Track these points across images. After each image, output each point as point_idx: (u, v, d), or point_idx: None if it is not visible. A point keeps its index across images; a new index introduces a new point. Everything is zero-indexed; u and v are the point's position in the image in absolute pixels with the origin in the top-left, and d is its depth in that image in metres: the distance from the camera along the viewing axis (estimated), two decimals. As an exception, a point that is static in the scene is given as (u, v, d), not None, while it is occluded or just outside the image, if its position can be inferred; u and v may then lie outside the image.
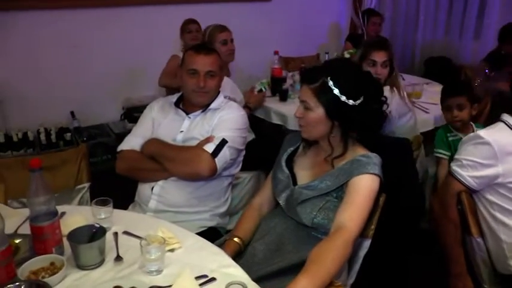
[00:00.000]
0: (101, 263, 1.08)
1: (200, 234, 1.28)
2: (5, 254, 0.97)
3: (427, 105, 2.49)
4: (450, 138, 2.03)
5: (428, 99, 2.55)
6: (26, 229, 1.19)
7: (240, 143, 1.56)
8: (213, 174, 1.47)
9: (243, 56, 2.57)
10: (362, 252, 1.29)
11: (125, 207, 1.55)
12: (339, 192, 1.21)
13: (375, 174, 1.18)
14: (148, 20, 3.47)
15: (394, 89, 2.06)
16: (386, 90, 2.00)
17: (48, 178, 1.06)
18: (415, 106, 2.40)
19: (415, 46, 4.29)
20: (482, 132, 1.37)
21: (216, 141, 1.48)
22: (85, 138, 3.09)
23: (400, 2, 4.35)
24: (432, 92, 2.65)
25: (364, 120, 1.21)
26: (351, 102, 1.18)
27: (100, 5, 3.29)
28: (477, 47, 3.78)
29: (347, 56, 3.06)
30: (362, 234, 1.22)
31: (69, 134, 3.01)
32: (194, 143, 1.53)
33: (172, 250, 1.13)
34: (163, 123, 1.62)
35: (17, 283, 0.94)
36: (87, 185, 1.81)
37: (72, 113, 3.27)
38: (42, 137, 2.97)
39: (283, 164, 1.34)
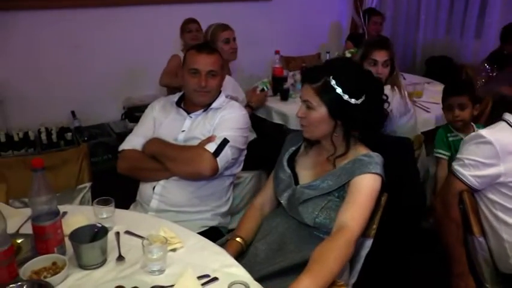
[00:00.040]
0: (103, 262, 1.08)
1: (202, 233, 1.28)
2: (7, 254, 0.97)
3: (428, 105, 2.49)
4: (450, 139, 2.02)
5: (430, 99, 2.55)
6: (27, 229, 1.19)
7: (241, 143, 1.56)
8: (214, 173, 1.47)
9: (244, 55, 2.56)
10: (364, 252, 1.29)
11: (126, 206, 1.55)
12: (340, 192, 1.21)
13: (377, 173, 1.18)
14: (148, 19, 3.47)
15: (395, 88, 2.06)
16: (387, 89, 1.99)
17: (49, 178, 1.06)
18: (416, 105, 2.40)
19: (416, 45, 4.28)
20: (484, 132, 1.36)
21: (218, 141, 1.48)
22: (86, 138, 3.09)
23: (401, 1, 4.34)
24: (433, 91, 2.65)
25: (366, 119, 1.21)
26: (353, 101, 1.18)
27: (100, 5, 3.29)
28: (478, 46, 3.78)
29: (348, 55, 3.06)
30: (364, 234, 1.22)
31: (70, 134, 3.02)
32: (195, 142, 1.53)
33: (174, 250, 1.13)
34: (164, 122, 1.62)
35: (19, 283, 0.94)
36: (88, 184, 1.81)
37: (73, 112, 3.27)
38: (43, 136, 2.98)
39: (285, 163, 1.34)
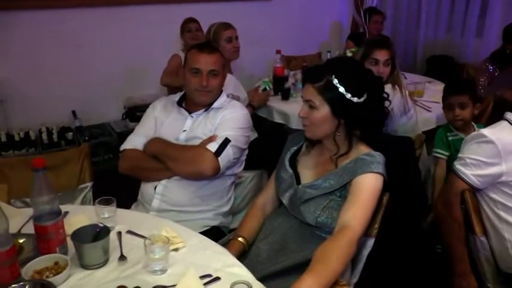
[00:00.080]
0: (105, 262, 1.08)
1: (203, 233, 1.28)
2: (10, 254, 0.97)
3: (429, 104, 2.48)
4: (450, 138, 2.00)
5: (431, 98, 2.54)
6: (29, 229, 1.19)
7: (243, 142, 1.56)
8: (216, 173, 1.47)
9: (244, 54, 2.56)
10: (366, 251, 1.29)
11: (127, 206, 1.55)
12: (342, 191, 1.21)
13: (379, 173, 1.18)
14: (149, 19, 3.46)
15: (396, 87, 2.06)
16: (388, 88, 1.99)
17: (50, 177, 1.06)
18: (417, 105, 2.40)
19: (417, 44, 4.27)
20: (486, 131, 1.36)
21: (219, 141, 1.48)
22: (87, 138, 3.09)
23: (401, 0, 4.34)
24: (434, 90, 2.65)
25: (368, 117, 1.21)
26: (355, 99, 1.18)
27: (101, 5, 3.30)
28: (479, 45, 3.77)
29: (349, 54, 3.06)
30: (366, 233, 1.22)
31: (70, 134, 3.02)
32: (197, 142, 1.53)
33: (176, 249, 1.13)
34: (166, 122, 1.62)
35: (22, 283, 0.94)
36: (89, 184, 1.80)
37: (73, 112, 3.27)
38: (44, 136, 2.98)
39: (287, 163, 1.34)
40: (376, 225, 1.29)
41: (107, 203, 1.24)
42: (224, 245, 1.25)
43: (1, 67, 3.02)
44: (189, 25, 2.94)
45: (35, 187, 1.03)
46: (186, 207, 1.53)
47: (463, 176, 1.38)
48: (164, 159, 1.51)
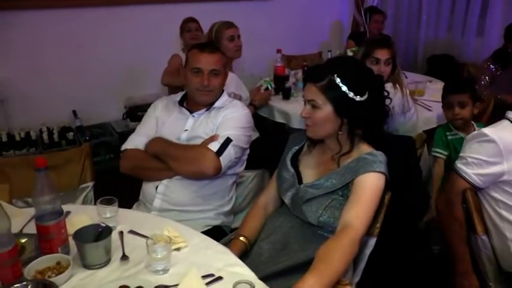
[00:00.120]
0: (107, 262, 1.08)
1: (205, 233, 1.28)
2: (12, 254, 0.97)
3: (430, 103, 2.48)
4: (449, 137, 1.98)
5: (431, 97, 2.54)
6: (31, 228, 1.19)
7: (244, 142, 1.56)
8: (217, 173, 1.46)
9: (245, 54, 2.56)
10: (368, 251, 1.29)
11: (129, 206, 1.55)
12: (344, 191, 1.21)
13: (381, 172, 1.18)
14: (149, 19, 3.46)
15: (397, 86, 2.07)
16: (389, 87, 2.00)
17: (52, 177, 1.06)
18: (418, 104, 2.40)
19: (418, 44, 4.27)
20: (487, 130, 1.36)
21: (221, 140, 1.48)
22: (87, 138, 3.09)
23: (402, 0, 4.33)
24: (435, 89, 2.64)
25: (370, 115, 1.21)
26: (358, 98, 1.18)
27: (101, 4, 3.29)
28: (480, 44, 3.77)
29: (350, 54, 3.06)
30: (367, 233, 1.22)
31: (71, 133, 3.02)
32: (198, 141, 1.53)
33: (178, 249, 1.13)
34: (167, 122, 1.62)
35: (24, 282, 0.94)
36: (91, 184, 1.80)
37: (74, 112, 3.27)
38: (45, 136, 2.98)
39: (288, 162, 1.34)
40: (378, 225, 1.29)
41: (108, 202, 1.24)
42: (226, 244, 1.25)
43: (2, 67, 3.02)
44: (188, 25, 2.94)
45: (37, 187, 1.03)
46: (188, 206, 1.53)
47: (464, 175, 1.38)
48: (166, 158, 1.51)
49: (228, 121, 1.54)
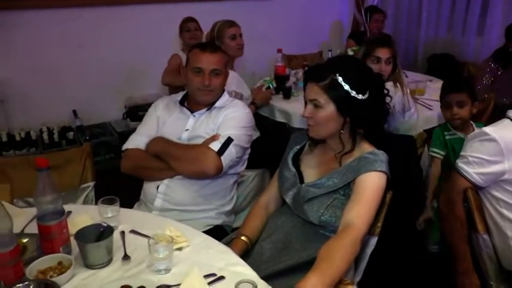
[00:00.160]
0: (108, 262, 1.08)
1: (206, 232, 1.28)
2: (13, 254, 0.97)
3: (430, 102, 2.48)
4: (447, 137, 1.96)
5: (432, 96, 2.54)
6: (32, 228, 1.19)
7: (245, 141, 1.56)
8: (218, 172, 1.46)
9: (245, 53, 2.56)
10: (369, 250, 1.29)
11: (129, 206, 1.54)
12: (346, 190, 1.21)
13: (382, 171, 1.18)
14: (149, 18, 3.46)
15: (398, 84, 2.07)
16: (390, 86, 2.00)
17: (53, 177, 1.06)
18: (418, 103, 2.40)
19: (418, 43, 4.27)
20: (488, 129, 1.36)
21: (222, 140, 1.48)
22: (87, 137, 3.09)
23: (402, -1, 4.34)
24: (435, 89, 2.63)
25: (372, 114, 1.21)
26: (360, 96, 1.19)
27: (101, 4, 3.29)
28: (480, 43, 3.77)
29: (350, 53, 3.06)
30: (369, 232, 1.22)
31: (71, 133, 3.02)
32: (199, 141, 1.53)
33: (180, 249, 1.13)
34: (168, 121, 1.62)
35: (26, 282, 0.94)
36: (91, 184, 1.80)
37: (74, 112, 3.27)
38: (45, 136, 2.98)
39: (290, 162, 1.34)
40: (379, 224, 1.29)
41: (110, 202, 1.24)
42: (227, 244, 1.25)
43: (2, 67, 3.02)
44: (187, 24, 2.94)
45: (39, 187, 1.03)
46: (189, 206, 1.53)
47: (465, 174, 1.39)
48: (167, 158, 1.51)
49: (229, 121, 1.54)
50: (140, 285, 0.98)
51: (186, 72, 1.61)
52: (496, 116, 1.85)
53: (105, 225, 1.12)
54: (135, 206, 1.63)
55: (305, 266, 1.10)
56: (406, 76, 2.64)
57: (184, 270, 1.05)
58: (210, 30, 2.44)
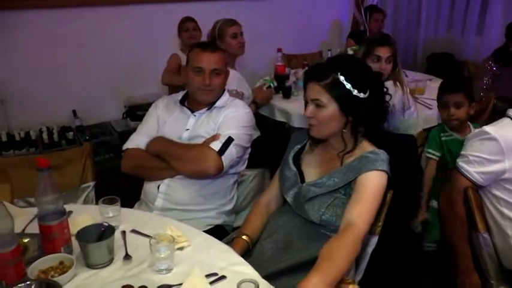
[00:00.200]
0: (110, 261, 1.08)
1: (207, 232, 1.28)
2: (15, 254, 0.97)
3: (430, 102, 2.48)
4: (443, 138, 1.94)
5: (431, 96, 2.53)
6: (33, 228, 1.19)
7: (246, 141, 1.56)
8: (219, 172, 1.46)
9: (246, 52, 2.56)
10: (370, 249, 1.30)
11: (129, 205, 1.54)
12: (347, 189, 1.21)
13: (383, 170, 1.18)
14: (149, 18, 3.46)
15: (398, 83, 2.07)
16: (390, 85, 2.00)
17: (53, 177, 1.06)
18: (418, 102, 2.41)
19: (418, 42, 4.28)
20: (489, 128, 1.36)
21: (222, 139, 1.48)
22: (87, 137, 3.09)
23: (402, -2, 4.35)
24: (435, 88, 2.60)
25: (373, 112, 1.22)
26: (361, 95, 1.19)
27: (100, 4, 3.29)
28: (479, 43, 3.78)
29: (350, 52, 3.06)
30: (369, 231, 1.22)
31: (71, 133, 3.01)
32: (200, 141, 1.53)
33: (181, 248, 1.13)
34: (168, 121, 1.62)
35: (28, 282, 0.94)
36: (92, 183, 1.81)
37: (74, 111, 3.26)
38: (45, 136, 2.97)
39: (291, 161, 1.34)
40: (380, 223, 1.30)
41: (110, 202, 1.24)
42: (228, 243, 1.25)
43: (1, 67, 3.01)
44: (186, 24, 2.94)
45: (40, 187, 1.03)
46: (189, 206, 1.53)
47: (466, 173, 1.39)
48: (167, 158, 1.51)
49: (230, 120, 1.54)
50: (142, 285, 0.98)
51: (186, 71, 1.61)
52: (495, 115, 1.85)
53: (106, 225, 1.12)
54: (136, 205, 1.63)
55: (306, 266, 1.10)
56: (406, 75, 2.64)
57: (185, 270, 1.05)
58: (211, 29, 2.44)
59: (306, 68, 1.83)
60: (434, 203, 1.93)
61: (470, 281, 1.42)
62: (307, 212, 1.23)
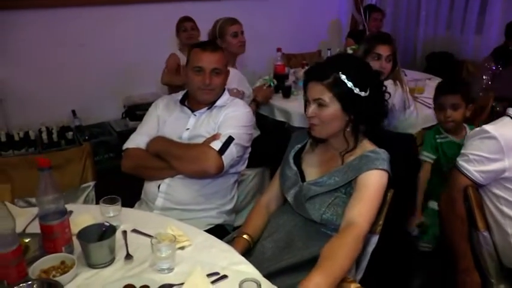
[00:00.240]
0: (111, 261, 1.08)
1: (207, 231, 1.28)
2: (16, 254, 0.97)
3: (429, 101, 2.46)
4: (438, 140, 1.90)
5: (431, 95, 2.48)
6: (34, 228, 1.19)
7: (246, 140, 1.56)
8: (220, 171, 1.46)
9: (246, 51, 2.56)
10: (370, 248, 1.30)
11: (129, 205, 1.54)
12: (347, 188, 1.21)
13: (384, 169, 1.18)
14: (147, 18, 3.45)
15: (397, 82, 2.07)
16: (390, 83, 2.00)
17: (54, 177, 1.06)
18: (417, 101, 2.41)
19: (417, 41, 4.28)
20: (489, 127, 1.37)
21: (223, 139, 1.48)
22: (87, 137, 3.08)
23: (401, -2, 4.35)
24: (434, 87, 2.63)
25: (373, 110, 1.22)
26: (363, 93, 1.19)
27: (99, 4, 3.28)
28: (479, 42, 3.78)
29: (350, 51, 3.06)
30: (370, 230, 1.22)
31: (70, 133, 3.01)
32: (200, 140, 1.53)
33: (182, 248, 1.13)
34: (168, 121, 1.62)
35: (30, 282, 0.94)
36: (92, 183, 1.81)
37: (73, 111, 3.26)
38: (44, 136, 2.97)
39: (291, 161, 1.34)
40: (381, 222, 1.30)
41: (111, 202, 1.24)
42: (229, 242, 1.25)
43: (1, 66, 3.00)
44: (184, 24, 2.93)
45: (41, 186, 1.03)
46: (190, 205, 1.53)
47: (466, 172, 1.39)
48: (168, 157, 1.51)
49: (230, 120, 1.54)
50: (143, 285, 0.98)
51: (186, 71, 1.61)
52: (493, 116, 1.84)
53: (107, 224, 1.12)
54: (136, 205, 1.63)
55: (307, 264, 1.10)
56: (405, 74, 2.64)
57: (187, 269, 1.05)
58: (211, 28, 2.44)
59: (306, 68, 1.83)
60: (431, 204, 1.91)
61: (470, 280, 1.42)
62: (308, 211, 1.23)
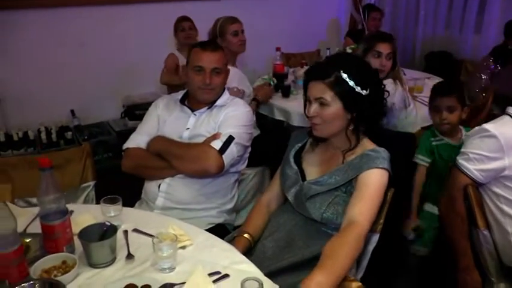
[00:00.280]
0: (112, 261, 1.08)
1: (208, 231, 1.28)
2: (17, 253, 0.97)
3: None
4: (433, 143, 1.87)
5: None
6: (34, 228, 1.19)
7: (246, 140, 1.56)
8: (220, 171, 1.46)
9: (246, 50, 2.56)
10: (371, 247, 1.30)
11: (129, 205, 1.54)
12: (348, 187, 1.21)
13: (384, 168, 1.18)
14: (147, 17, 3.45)
15: (397, 81, 2.08)
16: (390, 82, 2.01)
17: (55, 177, 1.05)
18: (416, 100, 2.41)
19: (416, 41, 4.29)
20: (488, 126, 1.37)
21: (223, 138, 1.48)
22: (86, 137, 3.08)
23: (400, -3, 4.36)
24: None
25: (374, 109, 1.23)
26: (364, 92, 1.20)
27: (99, 4, 3.28)
28: (478, 41, 3.79)
29: (349, 51, 3.07)
30: (371, 229, 1.22)
31: (70, 133, 3.01)
32: (200, 140, 1.53)
33: (183, 247, 1.13)
34: (168, 120, 1.62)
35: (31, 282, 0.93)
36: (92, 183, 1.80)
37: (72, 111, 3.26)
38: (43, 135, 2.97)
39: (292, 160, 1.35)
40: (381, 221, 1.30)
41: (112, 201, 1.23)
42: (229, 242, 1.25)
43: (0, 66, 3.00)
44: (182, 24, 2.93)
45: (42, 186, 1.03)
46: (190, 205, 1.53)
47: (466, 170, 1.39)
48: (168, 157, 1.51)
49: (230, 119, 1.54)
50: (145, 284, 0.98)
51: (186, 71, 1.61)
52: (492, 115, 1.84)
53: (108, 224, 1.12)
54: (136, 204, 1.63)
55: (308, 263, 1.10)
56: (404, 74, 2.64)
57: (188, 268, 1.05)
58: (212, 27, 2.44)
59: (306, 68, 1.83)
60: (427, 207, 1.90)
61: (470, 278, 1.43)
62: (308, 210, 1.24)
